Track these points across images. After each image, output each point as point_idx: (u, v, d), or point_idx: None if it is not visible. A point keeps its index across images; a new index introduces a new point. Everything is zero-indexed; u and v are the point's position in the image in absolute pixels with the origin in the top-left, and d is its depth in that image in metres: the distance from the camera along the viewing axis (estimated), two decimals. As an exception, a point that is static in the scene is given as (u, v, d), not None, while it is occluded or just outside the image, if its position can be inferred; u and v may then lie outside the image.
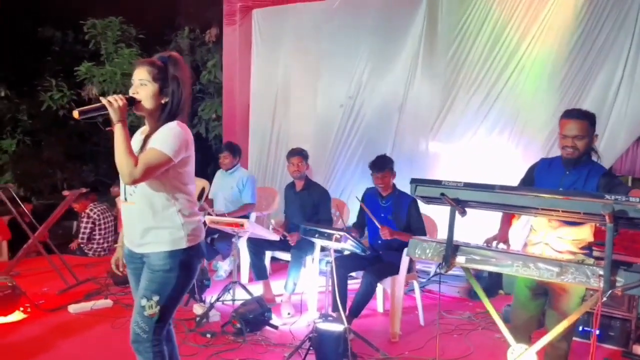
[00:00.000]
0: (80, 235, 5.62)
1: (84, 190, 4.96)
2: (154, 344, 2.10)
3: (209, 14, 7.88)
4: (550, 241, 2.57)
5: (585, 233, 2.54)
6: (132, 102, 2.06)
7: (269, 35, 6.23)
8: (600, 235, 2.63)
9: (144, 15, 8.06)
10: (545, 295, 2.62)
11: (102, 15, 7.73)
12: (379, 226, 3.68)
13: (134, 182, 1.99)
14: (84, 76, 7.52)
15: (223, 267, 4.96)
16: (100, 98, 2.02)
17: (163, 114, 2.11)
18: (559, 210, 2.03)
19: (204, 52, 8.14)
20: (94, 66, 7.53)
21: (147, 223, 2.09)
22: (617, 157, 4.69)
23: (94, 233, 5.65)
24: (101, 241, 5.68)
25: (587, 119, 2.48)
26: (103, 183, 8.26)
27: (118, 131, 1.99)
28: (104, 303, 4.01)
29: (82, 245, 5.62)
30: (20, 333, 3.49)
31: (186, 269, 2.12)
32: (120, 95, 2.02)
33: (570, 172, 2.54)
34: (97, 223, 5.65)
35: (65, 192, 4.66)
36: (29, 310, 3.78)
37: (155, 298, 2.06)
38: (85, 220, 5.61)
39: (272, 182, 6.14)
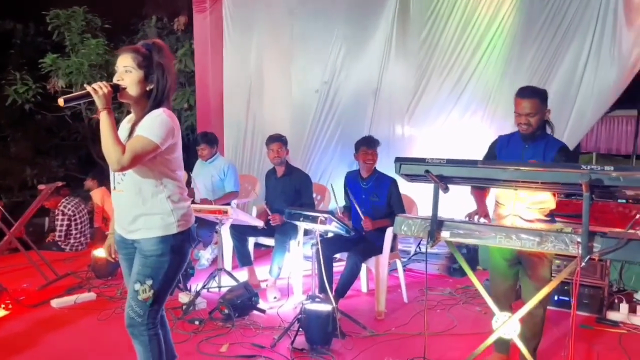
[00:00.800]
0: (57, 233, 5.51)
1: (59, 183, 4.87)
2: (149, 327, 2.13)
3: (177, 1, 7.76)
4: (519, 212, 2.69)
5: (549, 202, 2.69)
6: (117, 90, 2.05)
7: (241, 22, 6.17)
8: (562, 207, 2.79)
9: (109, 4, 7.88)
10: (519, 264, 2.76)
11: (64, 5, 7.52)
12: (362, 217, 3.75)
13: (122, 169, 2.00)
14: (49, 68, 7.32)
15: (205, 255, 4.95)
16: (85, 85, 2.02)
17: (149, 102, 2.11)
18: (538, 182, 2.13)
19: (172, 41, 7.99)
20: (59, 58, 7.33)
21: (137, 210, 2.10)
22: (584, 134, 4.87)
23: (70, 229, 5.55)
24: (78, 236, 5.59)
25: (537, 97, 2.63)
26: (73, 177, 8.08)
27: (104, 119, 1.98)
28: (88, 296, 3.96)
29: (59, 242, 5.52)
30: (4, 329, 3.42)
31: (178, 254, 2.15)
32: (105, 83, 2.01)
33: (529, 146, 2.70)
34: (72, 219, 5.55)
35: (41, 187, 4.56)
36: (10, 306, 3.72)
37: (149, 282, 2.09)
38: (60, 217, 5.50)
39: (249, 169, 6.13)
